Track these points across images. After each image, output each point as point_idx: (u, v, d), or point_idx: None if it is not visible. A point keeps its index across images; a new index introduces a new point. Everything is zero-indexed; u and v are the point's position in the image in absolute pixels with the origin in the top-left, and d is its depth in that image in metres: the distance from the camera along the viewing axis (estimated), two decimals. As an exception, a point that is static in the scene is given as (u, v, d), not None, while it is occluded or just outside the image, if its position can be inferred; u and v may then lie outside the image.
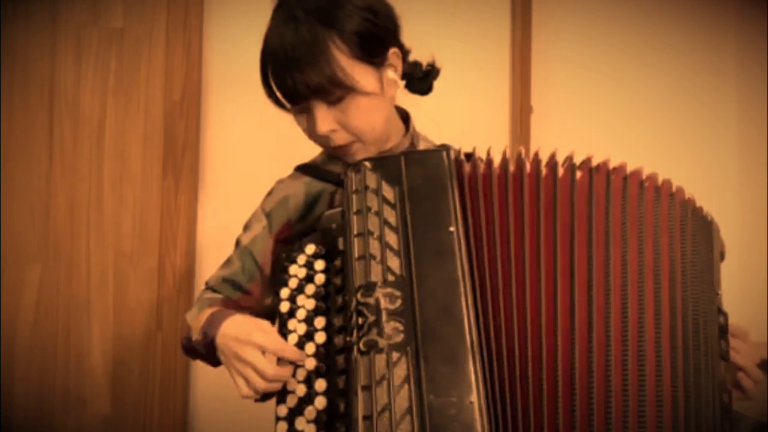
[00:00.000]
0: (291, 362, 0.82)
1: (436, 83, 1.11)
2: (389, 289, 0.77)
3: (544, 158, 0.84)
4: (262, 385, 0.81)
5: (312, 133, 0.98)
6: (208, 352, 0.92)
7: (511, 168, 0.84)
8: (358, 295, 0.77)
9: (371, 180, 0.84)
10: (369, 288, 0.77)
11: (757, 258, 1.85)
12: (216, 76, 1.62)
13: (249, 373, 0.82)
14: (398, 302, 0.76)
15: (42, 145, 1.52)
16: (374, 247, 0.79)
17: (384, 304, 0.76)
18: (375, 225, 0.81)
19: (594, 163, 0.85)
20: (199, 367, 1.57)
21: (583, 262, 0.80)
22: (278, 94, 0.96)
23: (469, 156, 0.87)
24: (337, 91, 0.92)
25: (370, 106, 0.95)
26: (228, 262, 1.06)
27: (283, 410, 0.82)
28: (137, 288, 1.55)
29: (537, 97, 1.79)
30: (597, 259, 0.80)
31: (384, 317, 0.75)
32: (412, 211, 0.82)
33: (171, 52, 1.57)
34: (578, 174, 0.84)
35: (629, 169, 0.85)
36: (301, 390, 0.81)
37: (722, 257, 0.96)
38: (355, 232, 0.81)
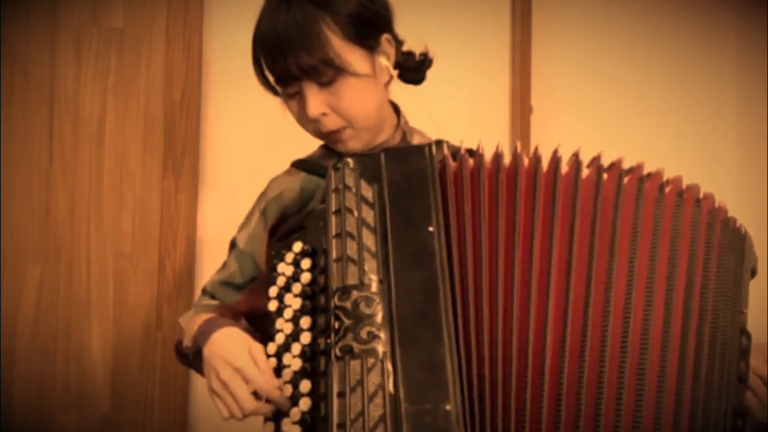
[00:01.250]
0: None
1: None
2: (366, 293, 0.74)
3: (545, 156, 0.79)
4: (239, 414, 0.80)
5: (302, 117, 0.96)
6: (195, 360, 0.90)
7: (506, 162, 0.80)
8: (335, 299, 0.75)
9: (350, 178, 0.81)
10: (345, 291, 0.74)
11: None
12: (216, 76, 1.62)
13: (227, 398, 0.80)
14: (374, 306, 0.73)
15: (42, 145, 1.52)
16: (351, 248, 0.77)
17: (360, 308, 0.73)
18: (353, 226, 0.78)
19: (605, 161, 0.80)
20: (199, 367, 1.57)
21: (581, 267, 0.75)
22: (269, 78, 0.95)
23: (456, 153, 0.83)
24: (328, 72, 0.90)
25: (362, 90, 0.94)
26: (224, 266, 1.05)
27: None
28: (137, 288, 1.55)
29: (537, 97, 1.79)
30: (598, 265, 0.75)
31: (360, 322, 0.72)
32: (391, 210, 0.79)
33: (171, 52, 1.57)
34: (585, 172, 0.79)
35: (648, 170, 0.80)
36: (287, 390, 0.79)
37: (753, 273, 0.90)
38: (333, 232, 0.79)
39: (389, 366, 0.70)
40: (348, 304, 0.74)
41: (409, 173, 0.81)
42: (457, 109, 1.73)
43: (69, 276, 1.52)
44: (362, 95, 0.94)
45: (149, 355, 1.55)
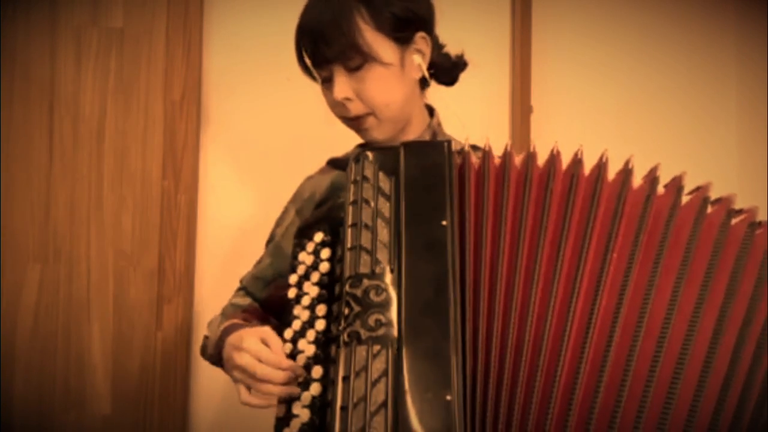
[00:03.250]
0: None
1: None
2: (376, 282, 0.76)
3: (588, 161, 0.76)
4: (252, 381, 0.81)
5: (330, 101, 1.01)
6: (220, 366, 0.94)
7: (539, 163, 0.79)
8: (347, 286, 0.77)
9: (369, 170, 0.84)
10: (357, 279, 0.77)
11: (757, 258, 1.84)
12: (216, 76, 1.62)
13: (241, 377, 0.83)
14: (383, 295, 0.75)
15: (42, 145, 1.52)
16: (366, 238, 0.79)
17: (370, 296, 0.75)
18: (368, 216, 0.80)
19: (657, 176, 0.76)
20: (200, 367, 1.57)
21: (615, 284, 0.72)
22: (309, 64, 1.00)
23: (478, 150, 0.84)
24: (356, 58, 0.95)
25: (388, 79, 0.98)
26: (260, 260, 1.10)
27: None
28: (137, 288, 1.55)
29: (537, 97, 1.79)
30: (634, 284, 0.72)
31: (369, 309, 0.74)
32: (407, 202, 0.81)
33: (171, 52, 1.57)
34: (636, 183, 0.77)
35: (718, 194, 0.75)
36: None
37: None
38: (349, 222, 0.81)
39: (393, 354, 0.72)
40: (358, 292, 0.76)
41: (427, 167, 0.83)
42: (457, 109, 1.73)
43: (69, 276, 1.52)
44: (387, 85, 0.98)
45: (149, 355, 1.55)
